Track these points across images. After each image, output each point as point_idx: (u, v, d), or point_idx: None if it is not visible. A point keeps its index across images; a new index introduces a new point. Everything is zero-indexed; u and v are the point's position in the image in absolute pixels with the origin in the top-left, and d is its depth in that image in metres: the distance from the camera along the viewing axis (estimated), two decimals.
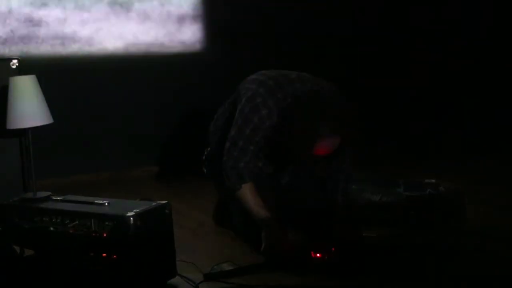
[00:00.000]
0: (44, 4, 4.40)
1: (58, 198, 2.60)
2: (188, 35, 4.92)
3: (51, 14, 4.43)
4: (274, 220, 2.70)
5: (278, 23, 5.16)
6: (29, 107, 2.66)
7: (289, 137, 2.68)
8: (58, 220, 2.43)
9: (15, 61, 2.90)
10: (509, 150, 4.93)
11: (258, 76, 2.92)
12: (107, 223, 2.31)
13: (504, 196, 3.65)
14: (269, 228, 2.69)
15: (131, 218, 2.25)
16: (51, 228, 2.45)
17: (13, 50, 4.27)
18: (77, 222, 2.38)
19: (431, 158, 4.98)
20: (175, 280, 2.46)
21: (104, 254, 2.34)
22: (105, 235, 2.31)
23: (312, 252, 2.58)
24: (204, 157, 3.22)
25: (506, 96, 5.55)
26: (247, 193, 2.77)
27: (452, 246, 2.82)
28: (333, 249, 2.60)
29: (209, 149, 3.19)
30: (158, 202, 2.43)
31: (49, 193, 2.66)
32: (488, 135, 5.36)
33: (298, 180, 3.09)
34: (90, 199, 2.54)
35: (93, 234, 2.34)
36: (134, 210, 2.29)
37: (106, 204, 2.44)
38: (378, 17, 5.55)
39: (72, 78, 4.51)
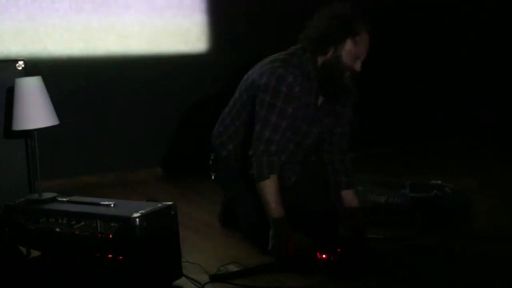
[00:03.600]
0: (50, 5, 4.42)
1: (64, 199, 2.60)
2: (193, 36, 4.93)
3: (57, 15, 4.44)
4: (285, 220, 2.70)
5: (282, 24, 5.16)
6: (35, 109, 2.66)
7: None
8: (64, 221, 2.43)
9: (21, 62, 2.90)
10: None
11: (265, 60, 2.93)
12: (113, 224, 2.31)
13: (508, 197, 3.64)
14: (279, 227, 2.69)
15: (137, 219, 2.25)
16: (57, 229, 2.45)
17: (19, 51, 4.28)
18: (83, 223, 2.38)
19: (434, 159, 4.98)
20: (181, 281, 2.46)
21: (110, 255, 2.34)
22: (111, 236, 2.31)
23: (318, 253, 2.58)
24: (210, 162, 3.20)
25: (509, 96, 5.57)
26: (272, 185, 2.73)
27: (456, 248, 2.81)
28: (338, 250, 2.59)
29: (214, 153, 3.16)
30: (164, 203, 2.43)
31: (55, 194, 2.66)
32: (491, 136, 5.35)
33: (304, 180, 3.09)
34: (96, 200, 2.54)
35: (99, 235, 2.34)
36: (140, 211, 2.29)
37: (112, 205, 2.44)
38: (379, 16, 5.53)
39: (78, 80, 4.52)
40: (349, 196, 3.00)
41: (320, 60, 2.80)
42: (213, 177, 3.20)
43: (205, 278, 2.49)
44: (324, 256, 2.57)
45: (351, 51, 2.75)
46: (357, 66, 2.78)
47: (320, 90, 2.85)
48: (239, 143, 3.01)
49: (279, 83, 2.74)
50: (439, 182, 3.28)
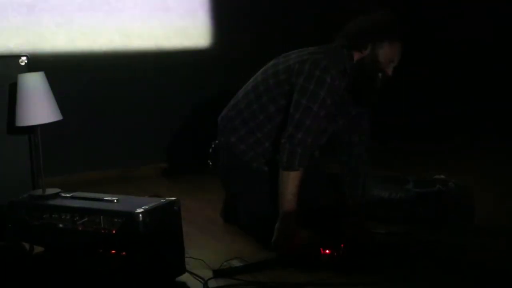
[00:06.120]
0: (53, 1, 4.42)
1: (67, 195, 2.61)
2: (195, 32, 4.92)
3: (60, 11, 4.44)
4: (295, 216, 2.69)
5: (284, 21, 5.15)
6: (38, 104, 2.66)
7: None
8: (67, 217, 2.44)
9: (24, 58, 2.90)
10: None
11: (300, 50, 2.91)
12: (116, 219, 2.31)
13: (510, 193, 3.63)
14: (287, 221, 2.68)
15: (140, 215, 2.25)
16: (60, 225, 2.45)
17: (21, 46, 4.28)
18: (86, 218, 2.39)
19: (436, 157, 4.97)
20: (184, 276, 2.46)
21: (113, 251, 2.34)
22: (114, 231, 2.31)
23: (321, 248, 2.57)
24: (211, 150, 3.17)
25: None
26: (297, 178, 2.71)
27: (460, 243, 2.80)
28: (342, 245, 2.59)
29: (217, 141, 3.13)
30: (167, 198, 2.43)
31: (58, 190, 2.67)
32: (494, 132, 5.34)
33: (307, 175, 3.08)
34: (99, 195, 2.54)
35: (102, 231, 2.34)
36: (143, 207, 2.29)
37: (115, 200, 2.44)
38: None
39: (81, 75, 4.52)
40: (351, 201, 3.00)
41: (356, 57, 2.80)
42: (211, 165, 3.16)
43: (208, 273, 2.49)
44: (327, 251, 2.57)
45: (387, 53, 2.76)
46: (390, 70, 2.78)
47: (349, 87, 2.83)
48: (255, 128, 2.95)
49: (324, 73, 2.70)
50: (442, 177, 3.27)
